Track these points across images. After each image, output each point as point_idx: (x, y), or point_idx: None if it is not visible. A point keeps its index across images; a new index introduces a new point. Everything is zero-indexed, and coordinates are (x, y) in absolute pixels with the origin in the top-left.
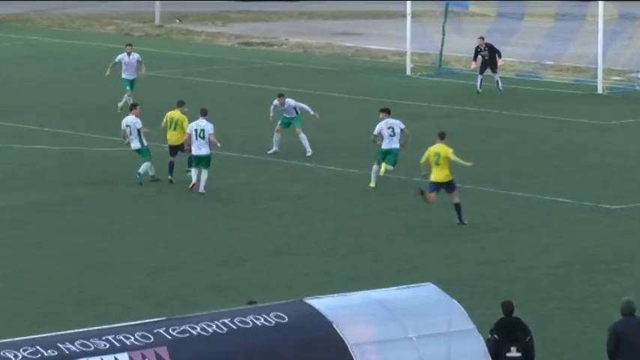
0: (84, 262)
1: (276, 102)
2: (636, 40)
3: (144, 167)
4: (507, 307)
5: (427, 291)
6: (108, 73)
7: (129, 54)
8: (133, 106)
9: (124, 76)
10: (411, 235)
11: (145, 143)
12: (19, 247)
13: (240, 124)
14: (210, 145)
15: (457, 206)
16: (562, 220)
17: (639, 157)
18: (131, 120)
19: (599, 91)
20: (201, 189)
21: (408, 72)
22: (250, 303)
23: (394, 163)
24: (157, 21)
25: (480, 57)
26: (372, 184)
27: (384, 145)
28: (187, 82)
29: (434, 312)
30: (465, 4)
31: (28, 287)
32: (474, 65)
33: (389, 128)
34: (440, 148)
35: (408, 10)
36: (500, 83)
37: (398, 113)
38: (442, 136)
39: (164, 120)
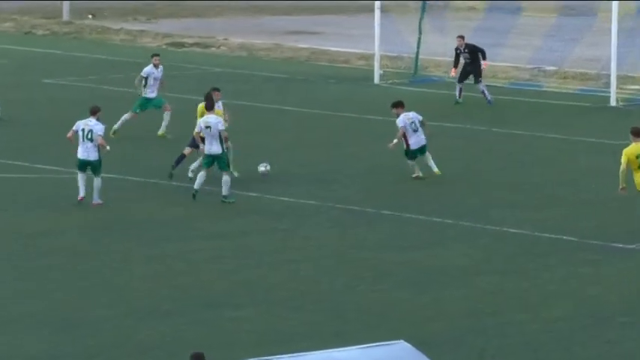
0: None
1: None
2: None
3: (227, 186)
4: None
5: (399, 350)
6: (140, 92)
7: (156, 66)
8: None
9: (147, 94)
10: (379, 282)
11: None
12: None
13: (169, 144)
14: (99, 149)
15: None
16: (565, 263)
17: None
18: (214, 120)
19: (613, 103)
20: (96, 200)
21: (377, 80)
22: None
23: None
24: (65, 16)
25: (461, 61)
26: (420, 174)
27: (414, 145)
28: (103, 92)
29: None
30: None
31: None
32: (453, 73)
33: (411, 123)
34: None
35: (377, 3)
36: (487, 93)
37: (364, 130)
38: (638, 133)
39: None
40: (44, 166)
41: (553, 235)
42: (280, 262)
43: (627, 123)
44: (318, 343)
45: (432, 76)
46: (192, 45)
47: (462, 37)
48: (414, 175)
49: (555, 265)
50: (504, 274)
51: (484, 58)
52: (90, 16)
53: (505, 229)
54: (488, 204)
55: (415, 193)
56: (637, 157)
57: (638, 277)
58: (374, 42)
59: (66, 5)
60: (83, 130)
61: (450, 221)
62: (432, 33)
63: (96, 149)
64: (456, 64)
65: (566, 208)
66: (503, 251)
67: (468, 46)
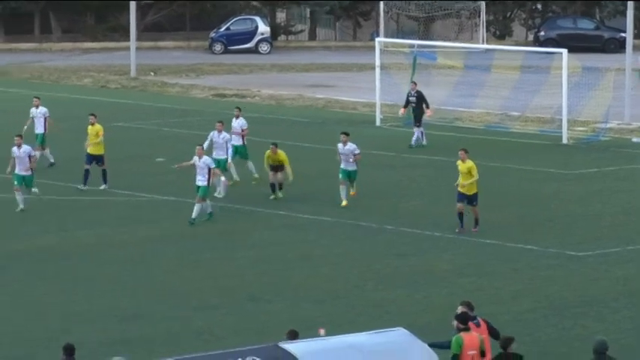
0: (59, 310)
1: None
2: (599, 91)
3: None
4: (504, 342)
5: (399, 335)
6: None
7: (219, 132)
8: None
9: (215, 155)
10: (382, 282)
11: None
12: None
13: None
14: None
15: None
16: (530, 267)
17: (602, 206)
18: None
19: (564, 141)
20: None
21: (378, 123)
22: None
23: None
24: (133, 73)
25: (410, 106)
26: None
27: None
28: (163, 132)
29: (405, 355)
30: (432, 57)
31: (10, 330)
32: (402, 112)
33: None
34: None
35: (377, 62)
36: (418, 137)
37: (368, 163)
38: (466, 151)
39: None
40: (121, 191)
41: (519, 245)
42: (304, 266)
43: (576, 157)
44: (335, 330)
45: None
46: (231, 95)
47: (414, 83)
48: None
49: (522, 268)
50: (481, 276)
51: (427, 107)
52: (152, 74)
53: (480, 240)
54: (467, 221)
55: (410, 212)
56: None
57: (587, 277)
58: (376, 93)
59: (133, 64)
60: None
61: (437, 234)
62: (421, 86)
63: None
64: (405, 105)
65: (529, 224)
66: (480, 258)
67: (418, 92)
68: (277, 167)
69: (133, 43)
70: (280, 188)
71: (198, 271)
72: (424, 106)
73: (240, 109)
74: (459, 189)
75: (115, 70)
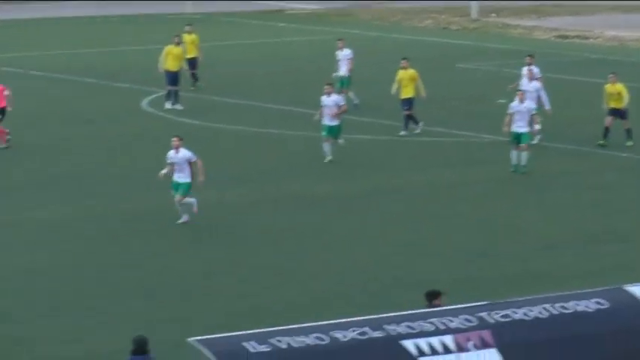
0: (410, 248)
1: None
2: None
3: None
4: None
5: None
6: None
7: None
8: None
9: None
10: None
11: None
12: (344, 231)
13: (558, 115)
14: None
15: None
16: None
17: None
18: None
19: None
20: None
21: None
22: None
23: None
24: (474, 15)
25: None
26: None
27: None
28: (504, 74)
29: None
30: None
31: (358, 269)
32: None
33: None
34: None
35: None
36: None
37: None
38: None
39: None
40: (461, 132)
41: None
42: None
43: None
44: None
45: None
46: (573, 37)
47: None
48: None
49: None
50: None
51: None
52: (493, 15)
53: None
54: None
55: None
56: None
57: None
58: None
59: (474, 6)
60: None
61: None
62: None
63: None
64: None
65: None
66: None
67: None
68: (617, 111)
69: None
70: (630, 136)
71: (540, 212)
72: None
73: (532, 57)
74: None
75: (456, 11)
